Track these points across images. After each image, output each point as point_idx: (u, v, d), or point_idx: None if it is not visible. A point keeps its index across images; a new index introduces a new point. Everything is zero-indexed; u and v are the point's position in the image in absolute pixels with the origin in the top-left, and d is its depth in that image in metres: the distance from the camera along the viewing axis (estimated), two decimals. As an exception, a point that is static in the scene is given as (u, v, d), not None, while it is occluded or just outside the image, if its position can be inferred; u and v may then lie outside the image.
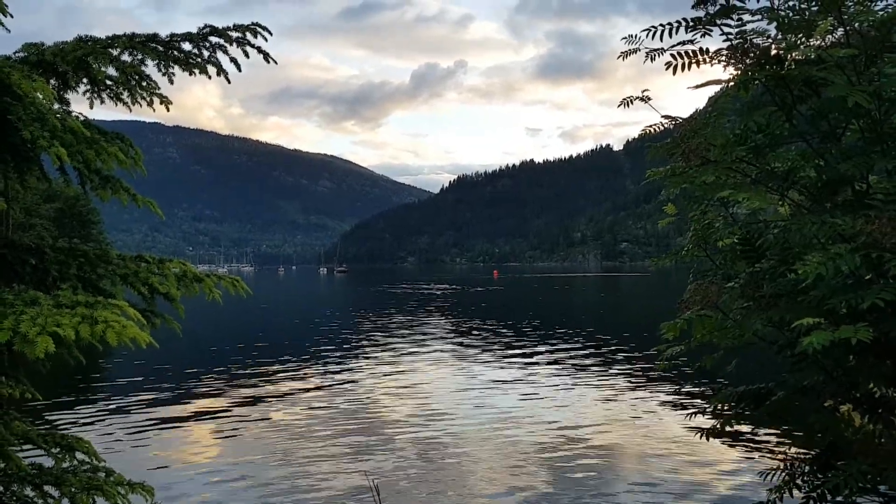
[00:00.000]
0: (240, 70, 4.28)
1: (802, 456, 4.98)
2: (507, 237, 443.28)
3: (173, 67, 4.17)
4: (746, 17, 4.59)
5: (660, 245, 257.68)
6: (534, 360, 19.69)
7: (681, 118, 5.07)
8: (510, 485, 8.62)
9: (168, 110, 4.43)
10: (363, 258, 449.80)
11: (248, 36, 4.18)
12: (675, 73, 4.70)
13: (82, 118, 4.00)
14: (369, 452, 10.15)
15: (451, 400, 14.07)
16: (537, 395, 14.48)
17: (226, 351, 23.06)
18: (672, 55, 4.71)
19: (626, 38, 4.86)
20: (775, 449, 9.50)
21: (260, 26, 4.21)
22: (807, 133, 4.72)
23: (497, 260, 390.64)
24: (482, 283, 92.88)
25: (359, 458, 9.88)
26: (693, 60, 4.70)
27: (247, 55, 4.22)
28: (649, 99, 5.07)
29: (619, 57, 5.04)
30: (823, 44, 4.65)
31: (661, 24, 4.66)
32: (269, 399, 14.58)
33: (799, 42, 4.64)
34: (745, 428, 10.18)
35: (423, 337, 26.35)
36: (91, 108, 4.26)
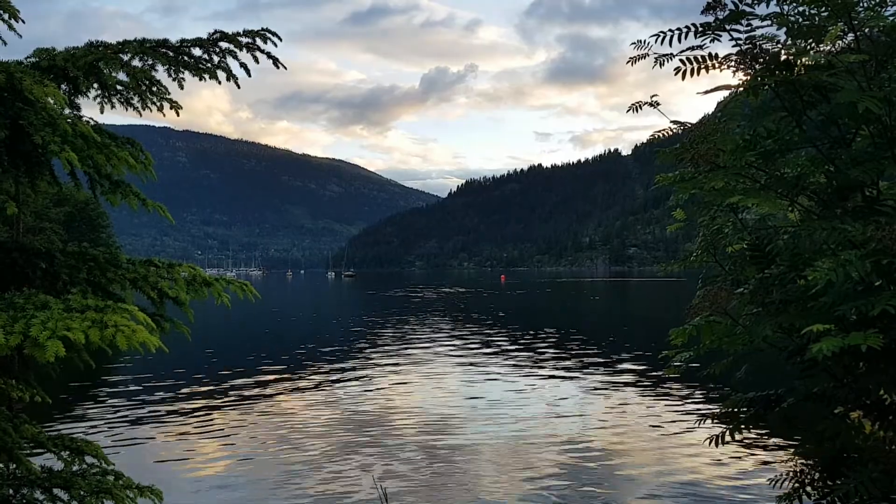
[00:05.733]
0: (249, 75, 4.29)
1: (812, 463, 4.95)
2: (514, 242, 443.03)
3: (183, 72, 4.18)
4: (756, 23, 4.57)
5: (668, 250, 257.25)
6: (542, 365, 19.66)
7: (690, 123, 5.06)
8: (519, 490, 8.60)
9: (178, 115, 4.44)
10: (371, 262, 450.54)
11: (258, 41, 4.19)
12: (684, 78, 4.69)
13: (93, 123, 4.02)
14: (378, 457, 10.14)
15: (459, 405, 14.06)
16: (546, 400, 14.45)
17: (235, 355, 23.11)
18: (681, 60, 4.70)
19: (635, 43, 4.85)
20: (785, 455, 9.45)
21: (269, 31, 4.22)
22: (817, 139, 4.70)
23: (505, 264, 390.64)
24: (490, 287, 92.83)
25: (368, 462, 9.87)
26: (702, 66, 4.69)
27: (256, 60, 4.22)
28: (658, 104, 5.06)
29: (627, 62, 5.03)
30: (833, 49, 4.63)
31: (670, 30, 4.65)
32: (278, 403, 14.60)
33: (809, 47, 4.63)
34: (754, 434, 10.13)
35: (432, 342, 26.34)
36: (101, 112, 4.28)
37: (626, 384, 16.18)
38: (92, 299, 3.28)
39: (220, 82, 4.25)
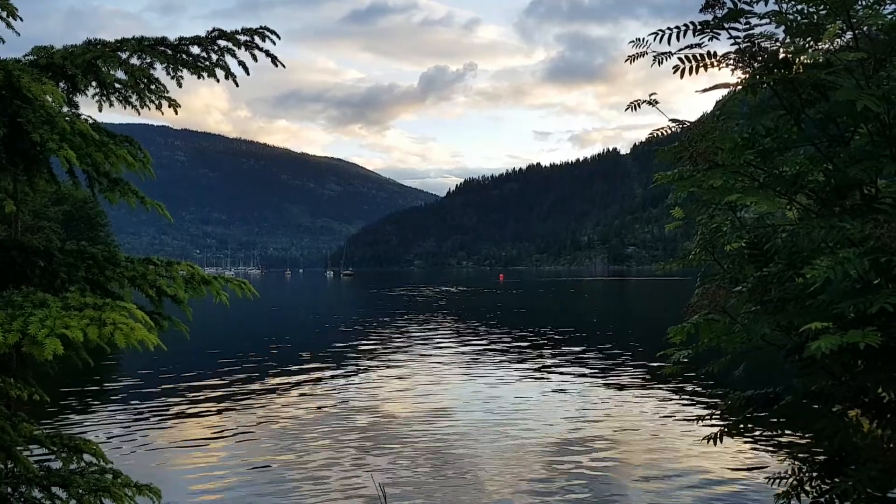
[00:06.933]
0: (248, 73, 4.28)
1: (810, 461, 4.95)
2: (513, 241, 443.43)
3: (182, 71, 4.18)
4: (754, 21, 4.58)
5: (667, 249, 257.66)
6: (541, 364, 19.66)
7: (689, 122, 5.06)
8: (517, 488, 8.61)
9: (176, 113, 4.43)
10: (369, 261, 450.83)
11: (257, 39, 4.18)
12: (682, 76, 4.69)
13: (91, 121, 4.01)
14: (376, 455, 10.15)
15: (458, 403, 14.06)
16: (544, 399, 14.46)
17: (233, 354, 23.10)
18: (680, 59, 4.70)
19: (633, 41, 4.85)
20: (783, 454, 9.46)
21: (268, 30, 4.22)
22: (815, 137, 4.70)
23: (503, 263, 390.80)
24: (489, 286, 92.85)
25: (365, 460, 9.88)
26: (701, 64, 4.69)
27: (255, 59, 4.22)
28: (657, 102, 5.06)
29: (626, 60, 5.03)
30: (832, 47, 4.63)
31: (668, 28, 4.64)
32: (277, 401, 14.60)
33: (807, 46, 4.63)
34: (752, 432, 10.12)
35: (431, 341, 26.34)
36: (100, 111, 4.27)
37: (625, 382, 16.19)
38: (90, 297, 3.27)
39: (218, 81, 4.25)
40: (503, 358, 21.02)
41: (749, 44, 4.59)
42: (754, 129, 4.71)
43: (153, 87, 4.24)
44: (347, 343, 26.05)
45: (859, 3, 4.38)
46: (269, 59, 4.25)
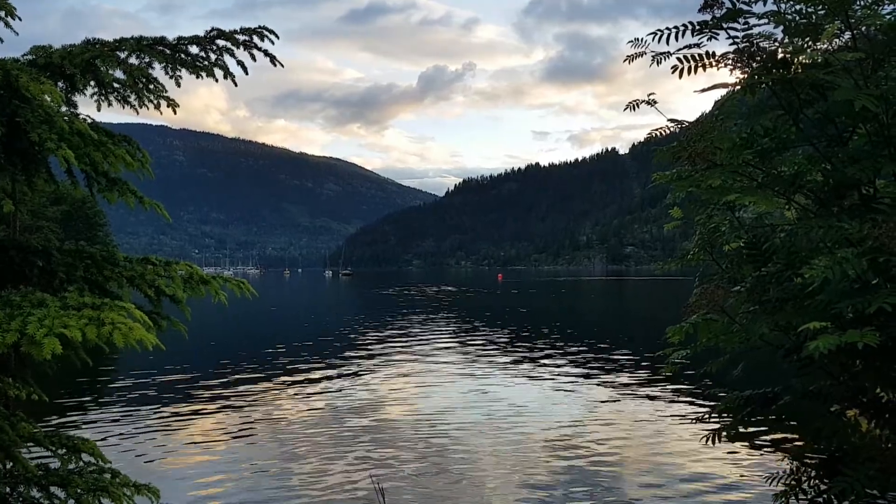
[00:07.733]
0: (246, 73, 4.28)
1: (808, 461, 4.96)
2: (512, 241, 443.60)
3: (180, 70, 4.18)
4: (753, 21, 4.58)
5: (666, 249, 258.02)
6: (540, 363, 19.66)
7: (688, 122, 5.06)
8: (515, 487, 8.61)
9: (175, 113, 4.43)
10: (368, 261, 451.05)
11: (255, 39, 4.18)
12: (681, 76, 4.70)
13: (90, 121, 4.01)
14: (375, 455, 10.14)
15: (456, 403, 14.06)
16: (542, 398, 14.46)
17: (231, 353, 23.09)
18: (678, 59, 4.71)
19: (632, 41, 4.86)
20: (781, 453, 9.47)
21: (267, 29, 4.21)
22: (813, 137, 4.70)
23: (502, 263, 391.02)
24: (487, 286, 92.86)
25: (364, 460, 9.87)
26: (699, 64, 4.70)
27: (253, 58, 4.22)
28: (655, 102, 5.06)
29: (625, 60, 5.04)
30: (830, 47, 4.64)
31: (667, 28, 4.65)
32: (275, 401, 14.59)
33: (806, 46, 4.63)
34: (751, 432, 10.15)
35: (430, 340, 26.34)
36: (98, 110, 4.27)
37: (623, 382, 16.19)
38: (89, 297, 3.27)
39: (217, 80, 4.25)
40: (502, 357, 21.02)
41: (748, 44, 4.60)
42: (753, 129, 4.71)
43: (152, 86, 4.23)
44: (346, 343, 26.04)
45: (858, 3, 4.39)
46: (268, 58, 4.25)
